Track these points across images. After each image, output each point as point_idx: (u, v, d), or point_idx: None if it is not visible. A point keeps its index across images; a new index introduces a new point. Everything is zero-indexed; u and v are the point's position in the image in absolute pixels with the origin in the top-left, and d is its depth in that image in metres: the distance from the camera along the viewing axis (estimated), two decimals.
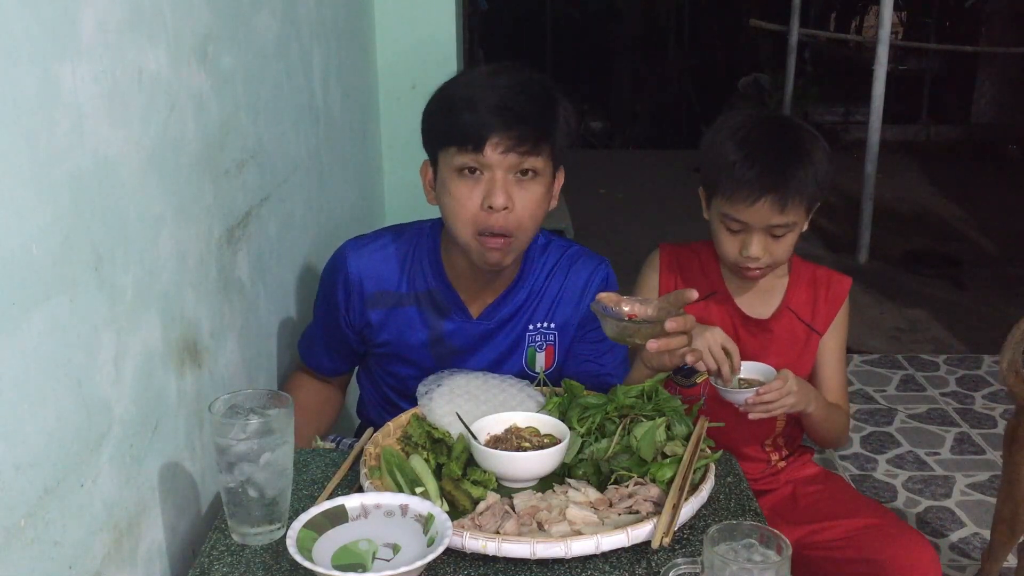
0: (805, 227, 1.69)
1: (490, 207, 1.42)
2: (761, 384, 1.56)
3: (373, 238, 1.63)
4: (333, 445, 1.63)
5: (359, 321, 1.61)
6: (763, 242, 1.63)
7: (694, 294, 1.41)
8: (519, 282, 1.60)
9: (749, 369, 1.60)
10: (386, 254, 1.60)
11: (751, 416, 1.55)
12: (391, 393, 1.68)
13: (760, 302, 1.79)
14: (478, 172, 1.42)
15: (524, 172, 1.43)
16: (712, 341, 1.49)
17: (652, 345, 1.35)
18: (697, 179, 1.76)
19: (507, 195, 1.42)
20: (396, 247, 1.61)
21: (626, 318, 1.40)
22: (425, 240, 1.60)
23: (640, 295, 1.81)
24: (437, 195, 1.51)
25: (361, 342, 1.65)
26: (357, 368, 1.80)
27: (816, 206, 1.68)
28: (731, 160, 1.61)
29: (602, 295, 1.41)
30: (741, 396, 1.55)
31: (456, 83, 1.48)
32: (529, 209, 1.45)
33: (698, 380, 1.75)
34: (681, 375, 1.78)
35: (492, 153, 1.40)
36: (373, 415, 1.72)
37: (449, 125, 1.43)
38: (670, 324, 1.34)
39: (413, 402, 1.52)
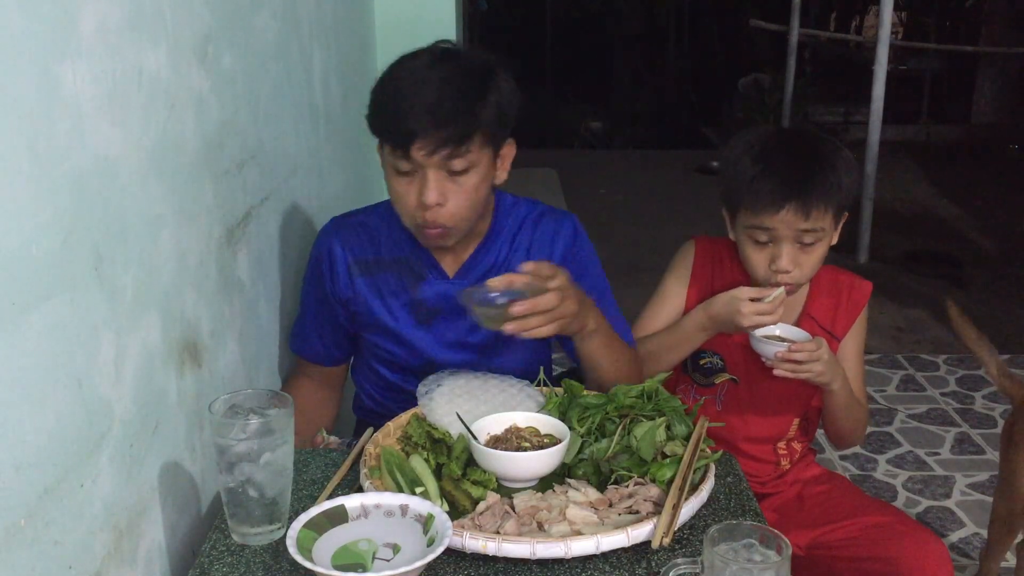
0: (834, 240, 1.68)
1: (424, 204, 1.45)
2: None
3: (351, 214, 1.71)
4: (340, 441, 1.63)
5: (345, 292, 1.65)
6: (792, 253, 1.61)
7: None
8: (492, 237, 1.63)
9: (787, 331, 1.63)
10: (363, 226, 1.67)
11: (776, 372, 1.56)
12: (380, 367, 1.70)
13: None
14: (412, 170, 1.45)
15: (455, 170, 1.46)
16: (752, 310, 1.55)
17: (518, 309, 1.33)
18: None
19: (439, 192, 1.45)
20: (371, 219, 1.67)
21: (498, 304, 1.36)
22: (395, 211, 1.62)
23: (667, 286, 1.80)
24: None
25: (350, 319, 1.68)
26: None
27: (844, 217, 1.67)
28: (751, 174, 1.60)
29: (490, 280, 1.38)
30: (772, 348, 1.55)
31: (392, 76, 1.48)
32: (463, 202, 1.48)
33: (716, 380, 1.75)
34: (700, 374, 1.78)
35: (419, 154, 1.43)
36: (368, 403, 1.74)
37: (380, 123, 1.48)
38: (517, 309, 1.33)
39: (402, 377, 1.59)
